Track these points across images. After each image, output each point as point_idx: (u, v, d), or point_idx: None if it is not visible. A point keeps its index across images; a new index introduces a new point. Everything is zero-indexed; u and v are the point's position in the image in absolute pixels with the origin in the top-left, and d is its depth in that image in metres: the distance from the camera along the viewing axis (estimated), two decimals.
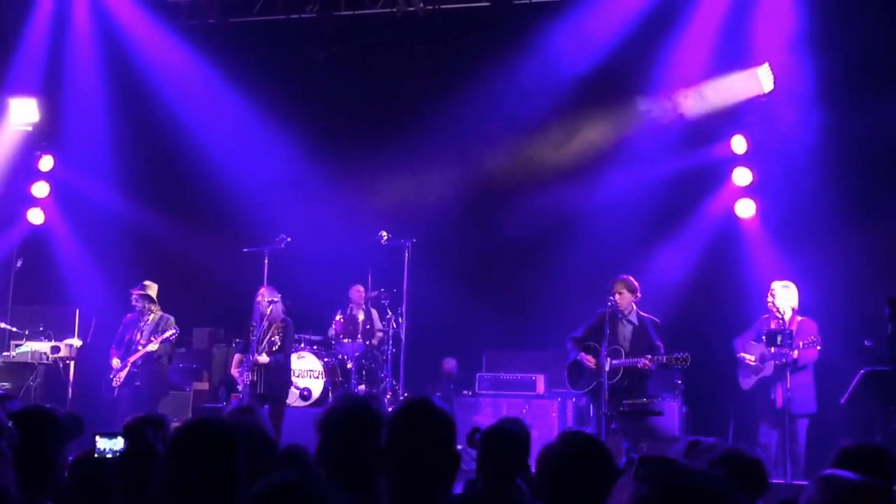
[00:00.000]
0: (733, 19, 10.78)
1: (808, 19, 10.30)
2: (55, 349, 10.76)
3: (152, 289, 9.86)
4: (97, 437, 2.91)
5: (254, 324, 9.35)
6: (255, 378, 9.17)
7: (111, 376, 9.70)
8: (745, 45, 10.68)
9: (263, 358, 9.17)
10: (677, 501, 1.69)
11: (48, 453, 2.89)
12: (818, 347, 8.07)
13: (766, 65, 10.39)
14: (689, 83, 10.91)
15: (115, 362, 9.68)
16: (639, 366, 8.13)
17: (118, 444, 2.88)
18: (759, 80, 10.42)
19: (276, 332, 9.34)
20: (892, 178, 9.90)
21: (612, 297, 8.33)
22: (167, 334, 9.68)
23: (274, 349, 9.30)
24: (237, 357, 9.52)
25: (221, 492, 2.45)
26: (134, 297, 9.81)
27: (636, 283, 8.45)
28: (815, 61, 10.41)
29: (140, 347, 9.62)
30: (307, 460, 3.29)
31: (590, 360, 8.38)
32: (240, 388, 9.30)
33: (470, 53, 12.17)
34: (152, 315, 9.77)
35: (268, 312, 9.30)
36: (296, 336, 10.66)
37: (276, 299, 9.43)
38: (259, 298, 9.39)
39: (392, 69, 12.03)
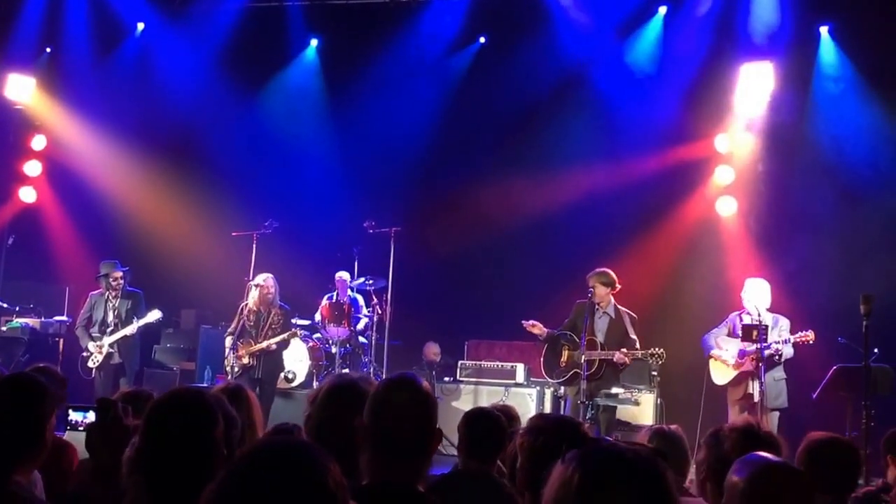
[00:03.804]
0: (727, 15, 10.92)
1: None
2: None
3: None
4: (70, 410, 3.00)
5: (253, 309, 9.34)
6: (255, 363, 9.25)
7: (85, 355, 9.81)
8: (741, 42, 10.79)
9: (272, 345, 9.25)
10: (598, 477, 1.70)
11: (33, 421, 2.91)
12: (811, 342, 8.06)
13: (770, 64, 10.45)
14: None
15: (91, 345, 9.76)
16: (614, 359, 8.24)
17: (90, 416, 2.95)
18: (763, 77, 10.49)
19: (276, 317, 9.41)
20: (870, 176, 10.04)
21: (590, 288, 8.43)
22: (151, 320, 9.82)
23: (275, 333, 9.37)
24: (230, 340, 9.43)
25: (200, 460, 2.45)
26: (119, 278, 9.84)
27: (614, 277, 8.53)
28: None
29: (118, 328, 9.74)
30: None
31: (532, 325, 8.51)
32: (234, 369, 9.24)
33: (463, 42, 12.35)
34: (121, 292, 9.86)
35: (270, 299, 9.37)
36: None
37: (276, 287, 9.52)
38: (265, 290, 9.32)
39: (383, 57, 12.13)
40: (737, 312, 8.58)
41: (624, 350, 8.20)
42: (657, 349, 8.15)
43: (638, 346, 8.29)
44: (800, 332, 8.06)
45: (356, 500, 2.39)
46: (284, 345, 9.54)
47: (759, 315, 8.23)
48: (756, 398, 8.19)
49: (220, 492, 1.59)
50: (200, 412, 2.56)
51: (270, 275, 9.49)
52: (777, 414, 8.34)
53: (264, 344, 9.22)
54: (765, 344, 7.98)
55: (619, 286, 8.55)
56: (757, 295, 8.37)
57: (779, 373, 8.34)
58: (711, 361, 8.58)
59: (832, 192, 10.11)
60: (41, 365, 4.71)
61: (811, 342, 8.03)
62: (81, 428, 2.97)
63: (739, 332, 8.39)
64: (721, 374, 8.54)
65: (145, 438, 2.52)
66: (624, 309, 8.55)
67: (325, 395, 2.94)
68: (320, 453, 1.67)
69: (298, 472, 1.60)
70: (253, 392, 3.83)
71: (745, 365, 8.30)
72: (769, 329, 8.22)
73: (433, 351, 11.75)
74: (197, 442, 2.50)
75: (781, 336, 8.22)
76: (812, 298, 9.44)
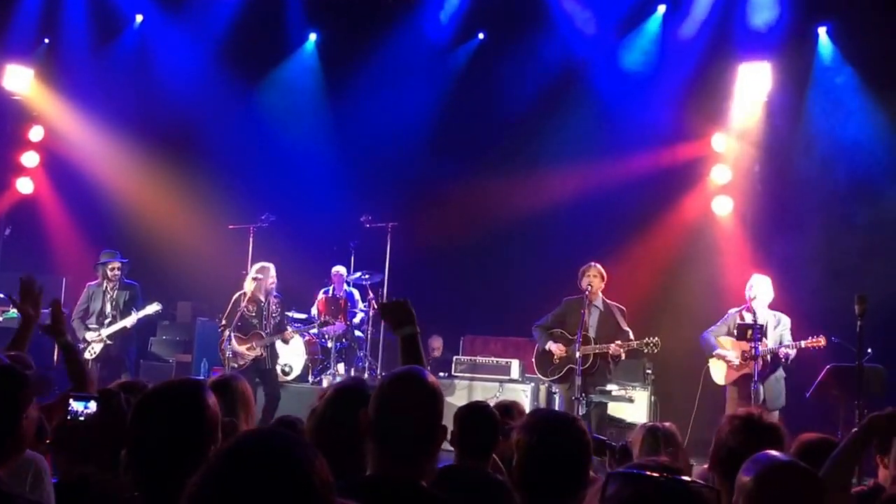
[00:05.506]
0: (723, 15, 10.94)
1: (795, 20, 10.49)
2: None
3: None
4: (71, 399, 2.98)
5: (253, 299, 9.28)
6: (265, 354, 9.26)
7: (82, 346, 9.79)
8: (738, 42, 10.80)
9: (290, 334, 9.32)
10: None
11: (8, 411, 2.78)
12: (822, 347, 7.96)
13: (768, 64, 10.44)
14: None
15: (91, 334, 9.77)
16: (609, 351, 8.25)
17: (91, 406, 2.95)
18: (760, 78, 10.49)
19: (275, 306, 9.43)
20: (867, 177, 10.08)
21: (588, 283, 8.42)
22: (151, 311, 9.83)
23: (276, 324, 9.39)
24: (228, 332, 9.34)
25: (189, 451, 2.41)
26: (117, 269, 9.86)
27: (604, 271, 8.57)
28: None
29: (116, 319, 9.77)
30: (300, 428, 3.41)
31: (560, 350, 8.50)
32: (231, 360, 9.24)
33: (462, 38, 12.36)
34: (118, 284, 9.87)
35: (271, 289, 9.40)
36: None
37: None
38: (268, 280, 9.29)
39: (382, 52, 12.14)
40: (737, 309, 8.49)
41: (618, 342, 8.21)
42: (652, 338, 8.15)
43: (632, 336, 8.28)
44: (811, 338, 8.02)
45: (357, 491, 2.42)
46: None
47: (763, 311, 8.23)
48: (759, 399, 8.15)
49: (201, 487, 1.56)
50: (189, 403, 2.54)
51: (271, 264, 9.49)
52: (777, 413, 8.35)
53: (286, 334, 9.30)
54: (758, 344, 7.95)
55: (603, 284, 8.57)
56: (767, 291, 8.35)
57: (780, 372, 8.34)
58: (713, 361, 8.49)
59: (828, 192, 10.15)
60: (12, 353, 4.63)
61: (822, 346, 7.99)
62: (82, 418, 2.96)
63: (747, 332, 8.33)
64: (724, 374, 8.46)
65: (135, 430, 2.51)
66: (612, 302, 8.56)
67: (335, 391, 3.00)
68: (306, 448, 1.62)
69: (281, 468, 1.55)
70: (248, 385, 3.79)
71: (747, 368, 8.20)
72: (772, 327, 8.20)
73: (436, 344, 11.80)
74: (186, 433, 2.47)
75: (784, 335, 8.19)
76: (806, 297, 9.46)
